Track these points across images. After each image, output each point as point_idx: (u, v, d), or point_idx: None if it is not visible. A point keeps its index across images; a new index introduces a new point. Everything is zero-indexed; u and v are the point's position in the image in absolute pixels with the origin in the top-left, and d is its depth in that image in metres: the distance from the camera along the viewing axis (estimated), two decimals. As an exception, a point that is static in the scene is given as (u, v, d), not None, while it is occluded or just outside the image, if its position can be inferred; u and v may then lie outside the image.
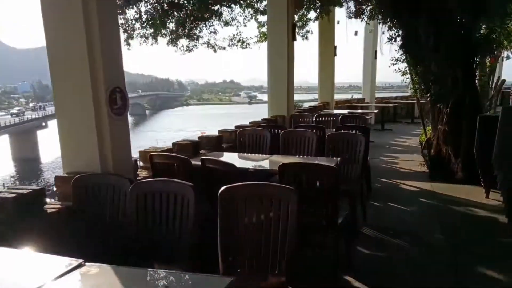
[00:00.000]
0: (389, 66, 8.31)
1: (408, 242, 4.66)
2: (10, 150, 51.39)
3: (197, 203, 2.78)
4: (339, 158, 4.72)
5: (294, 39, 8.63)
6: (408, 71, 8.50)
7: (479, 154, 6.31)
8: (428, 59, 7.45)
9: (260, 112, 12.99)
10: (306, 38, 11.96)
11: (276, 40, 8.36)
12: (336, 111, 12.47)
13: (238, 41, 10.58)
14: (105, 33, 3.68)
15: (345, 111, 12.03)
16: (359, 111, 13.13)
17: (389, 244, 4.64)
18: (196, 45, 10.16)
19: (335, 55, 13.06)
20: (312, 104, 14.12)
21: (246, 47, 10.56)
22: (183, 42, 9.94)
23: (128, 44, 9.39)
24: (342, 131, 6.03)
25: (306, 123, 7.97)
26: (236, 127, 6.42)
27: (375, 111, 13.30)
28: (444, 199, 6.19)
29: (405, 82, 9.02)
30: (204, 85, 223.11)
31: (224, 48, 10.66)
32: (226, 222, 2.70)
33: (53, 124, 59.21)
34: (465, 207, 5.86)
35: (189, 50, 10.33)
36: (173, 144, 5.01)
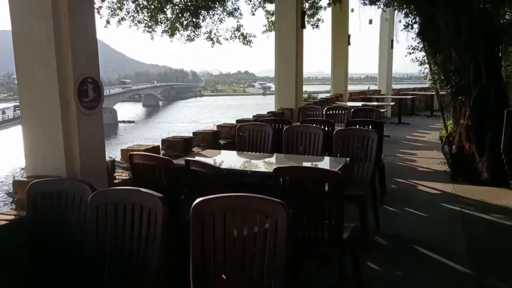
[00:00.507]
0: (406, 56, 7.66)
1: (426, 258, 4.05)
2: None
3: (178, 216, 2.22)
4: (347, 159, 4.13)
5: (303, 26, 8.00)
6: (426, 61, 7.80)
7: (508, 153, 5.67)
8: (447, 48, 6.78)
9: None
10: (317, 26, 11.32)
11: (284, 27, 7.74)
12: (349, 103, 11.85)
13: (242, 35, 9.96)
14: (76, 12, 3.14)
15: (359, 104, 11.42)
16: (374, 103, 12.47)
17: (405, 260, 4.03)
18: (198, 35, 9.60)
19: (349, 44, 12.38)
20: (325, 95, 13.45)
21: (248, 43, 9.93)
22: (184, 31, 9.38)
23: (108, 22, 8.81)
24: (353, 126, 5.41)
25: (315, 116, 7.38)
26: (237, 121, 5.86)
27: (391, 103, 12.58)
28: (469, 204, 5.54)
29: (423, 73, 8.31)
30: (218, 76, 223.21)
31: (226, 40, 10.04)
32: (199, 242, 2.15)
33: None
34: (493, 214, 5.20)
35: (190, 39, 9.77)
36: (162, 140, 4.45)
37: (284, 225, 1.99)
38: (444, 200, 5.78)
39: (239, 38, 10.05)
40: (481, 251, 4.21)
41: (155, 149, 4.04)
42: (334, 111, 7.55)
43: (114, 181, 3.62)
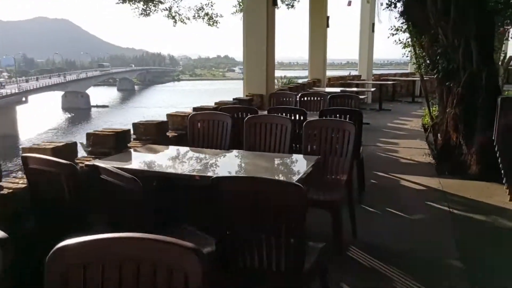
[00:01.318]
0: (388, 37, 6.95)
1: (411, 274, 3.37)
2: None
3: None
4: (319, 156, 3.41)
5: (275, 3, 7.21)
6: (410, 43, 7.10)
7: (501, 144, 5.05)
8: (434, 28, 6.10)
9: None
10: (292, 6, 10.52)
11: (253, 3, 6.94)
12: (327, 89, 11.16)
13: (206, 14, 9.12)
14: None
15: (338, 89, 10.72)
16: (354, 89, 11.79)
17: (386, 275, 3.35)
18: (155, 10, 8.74)
19: (328, 26, 11.62)
20: (302, 81, 12.68)
21: (214, 24, 9.11)
22: (138, 3, 8.55)
23: None
24: (328, 116, 4.69)
25: (287, 104, 6.67)
26: (194, 109, 5.07)
27: (372, 89, 11.91)
28: (458, 203, 4.89)
29: (406, 56, 7.61)
30: (197, 60, 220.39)
31: (189, 20, 9.21)
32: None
33: (33, 99, 57.53)
34: (485, 214, 4.58)
35: (145, 14, 8.92)
36: (88, 134, 3.54)
37: (198, 280, 1.23)
38: (429, 197, 5.13)
39: (203, 18, 9.20)
40: (474, 260, 3.56)
41: (67, 148, 3.11)
42: (308, 98, 6.84)
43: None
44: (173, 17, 9.42)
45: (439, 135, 6.56)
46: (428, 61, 6.47)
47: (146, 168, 3.12)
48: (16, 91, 56.70)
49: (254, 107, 5.53)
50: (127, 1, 8.82)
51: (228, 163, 3.52)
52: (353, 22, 15.29)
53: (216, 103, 5.84)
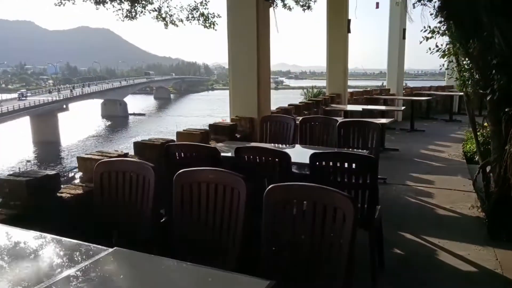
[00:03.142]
0: (421, 42, 5.05)
1: None
2: (30, 133, 50.58)
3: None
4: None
5: (269, -1, 5.50)
6: (451, 50, 5.15)
7: None
8: (488, 29, 4.27)
9: (288, 98, 10.77)
10: (308, 7, 8.78)
11: (237, 3, 5.26)
12: (349, 107, 9.40)
13: (202, 15, 7.58)
14: None
15: (360, 107, 8.96)
16: (380, 108, 9.96)
17: None
18: (142, 11, 7.31)
19: (349, 31, 9.83)
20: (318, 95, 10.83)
21: (211, 26, 7.58)
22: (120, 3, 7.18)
23: None
24: (319, 166, 2.94)
25: (283, 132, 4.98)
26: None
27: (402, 108, 9.89)
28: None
29: (446, 68, 5.62)
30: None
31: (182, 22, 7.70)
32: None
33: (74, 106, 58.75)
34: None
35: (131, 16, 7.50)
36: None
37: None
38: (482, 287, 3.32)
39: (199, 20, 7.65)
40: None
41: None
42: (311, 124, 5.07)
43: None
44: (164, 19, 7.92)
45: (492, 180, 4.69)
46: (477, 76, 4.61)
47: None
48: (60, 97, 58.17)
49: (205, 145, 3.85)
50: (108, 2, 7.38)
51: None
52: (384, 27, 13.38)
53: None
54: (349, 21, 9.84)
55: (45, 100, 55.69)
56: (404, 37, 12.58)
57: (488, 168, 4.85)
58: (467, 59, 4.72)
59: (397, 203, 5.26)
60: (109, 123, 64.20)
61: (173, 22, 7.87)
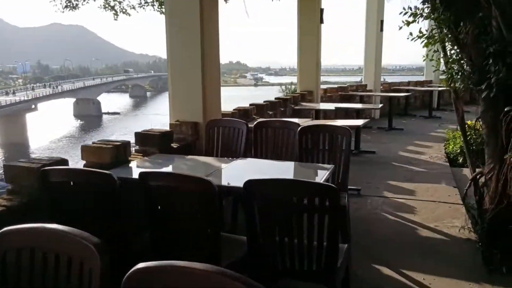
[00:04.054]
0: (400, 28, 4.15)
1: None
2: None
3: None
4: None
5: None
6: (435, 36, 4.21)
7: None
8: (485, 9, 3.42)
9: (267, 95, 9.95)
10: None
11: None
12: (323, 105, 8.54)
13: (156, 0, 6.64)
14: None
15: (332, 106, 8.11)
16: (358, 105, 9.12)
17: None
18: (85, 0, 6.33)
19: (322, 22, 8.95)
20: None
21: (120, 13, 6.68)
22: None
23: None
24: (258, 195, 2.03)
25: (233, 141, 4.04)
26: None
27: (379, 106, 9.02)
28: None
29: (430, 59, 4.63)
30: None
31: (134, 9, 6.73)
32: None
33: (44, 106, 56.86)
34: None
35: (72, 6, 6.50)
36: None
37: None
38: None
39: (154, 5, 6.70)
40: None
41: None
42: (267, 130, 4.15)
43: None
44: (112, 8, 6.94)
45: (486, 195, 3.84)
46: (469, 68, 3.75)
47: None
48: (29, 97, 56.16)
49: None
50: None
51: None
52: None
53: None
54: (322, 10, 8.96)
55: (12, 100, 53.53)
56: (381, 29, 11.77)
57: (481, 180, 4.01)
58: (456, 47, 3.85)
59: (372, 223, 4.39)
60: (82, 122, 62.41)
61: (123, 10, 6.92)
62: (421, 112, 12.51)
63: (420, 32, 3.93)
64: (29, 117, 52.99)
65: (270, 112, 6.62)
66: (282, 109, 7.15)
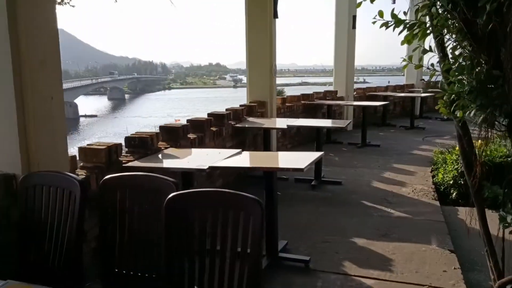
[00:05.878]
0: (374, 22, 2.27)
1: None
2: None
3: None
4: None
5: None
6: (428, 24, 2.25)
7: None
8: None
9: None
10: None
11: None
12: (279, 120, 6.77)
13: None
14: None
15: (284, 124, 6.30)
16: (319, 123, 7.31)
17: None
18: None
19: (276, 16, 7.10)
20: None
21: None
22: None
23: None
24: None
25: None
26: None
27: (347, 123, 6.91)
28: None
29: (417, 65, 2.75)
30: (189, 68, 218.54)
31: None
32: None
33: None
34: None
35: None
36: None
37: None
38: None
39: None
40: None
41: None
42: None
43: None
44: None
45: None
46: (484, 65, 1.92)
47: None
48: None
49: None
50: None
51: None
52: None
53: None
54: (275, 1, 7.12)
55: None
56: (354, 27, 10.03)
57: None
58: (467, 44, 2.00)
59: None
60: (58, 126, 61.14)
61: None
62: (402, 121, 10.81)
63: (395, 16, 2.07)
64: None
65: (192, 136, 4.71)
66: (214, 129, 5.24)
